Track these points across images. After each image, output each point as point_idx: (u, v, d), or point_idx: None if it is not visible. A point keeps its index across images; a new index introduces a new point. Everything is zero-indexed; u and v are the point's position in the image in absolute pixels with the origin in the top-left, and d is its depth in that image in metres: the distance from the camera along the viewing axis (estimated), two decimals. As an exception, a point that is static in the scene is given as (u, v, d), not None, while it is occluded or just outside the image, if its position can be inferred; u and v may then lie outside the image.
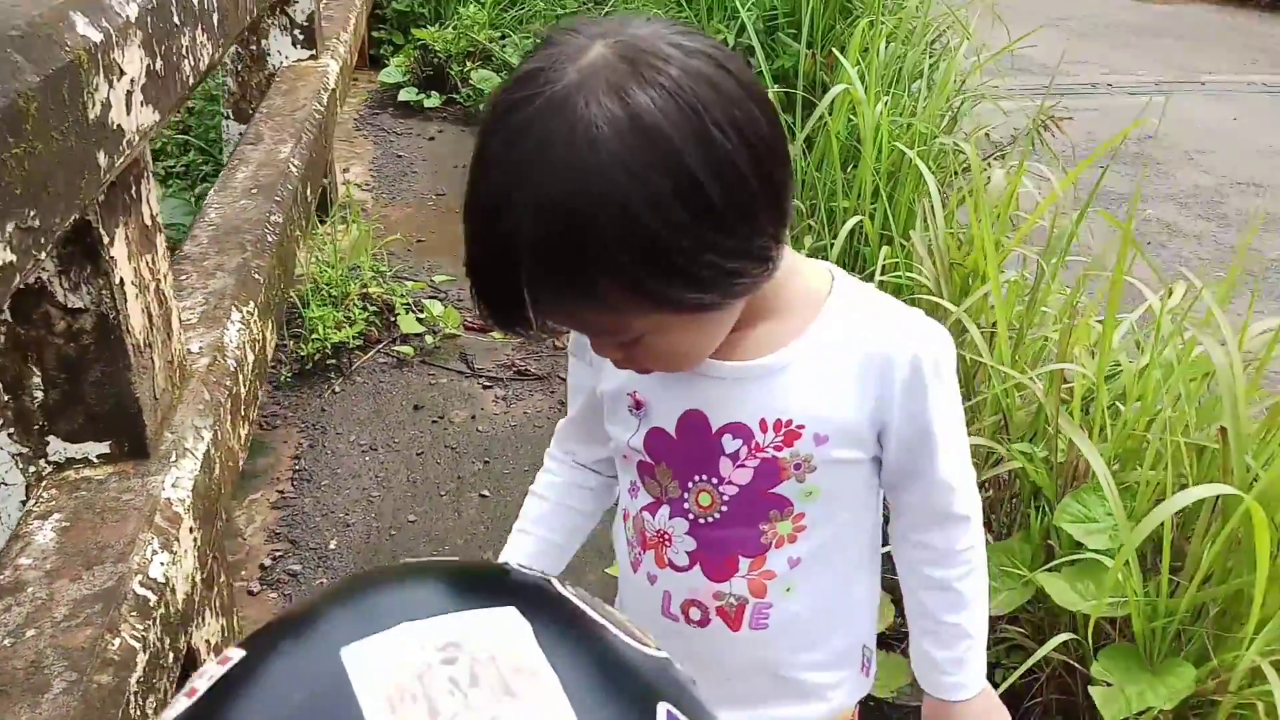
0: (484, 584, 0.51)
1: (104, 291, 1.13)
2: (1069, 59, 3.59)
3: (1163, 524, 1.37)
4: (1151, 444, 1.50)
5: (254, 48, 2.97)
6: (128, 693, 0.98)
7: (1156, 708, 1.38)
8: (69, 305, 1.12)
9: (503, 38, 4.46)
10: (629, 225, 0.61)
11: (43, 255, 0.81)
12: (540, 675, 0.41)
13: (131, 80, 1.05)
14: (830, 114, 2.33)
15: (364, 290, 2.61)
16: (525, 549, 0.96)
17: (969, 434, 1.66)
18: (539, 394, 2.44)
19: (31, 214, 0.78)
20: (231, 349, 1.52)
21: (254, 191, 2.09)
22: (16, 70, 0.78)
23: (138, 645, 1.02)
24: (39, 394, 1.16)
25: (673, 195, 0.61)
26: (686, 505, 0.84)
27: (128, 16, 1.03)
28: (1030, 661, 1.43)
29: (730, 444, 0.80)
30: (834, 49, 2.44)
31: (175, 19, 1.21)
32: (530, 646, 0.42)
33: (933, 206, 2.07)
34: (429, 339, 2.59)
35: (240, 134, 2.56)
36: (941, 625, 0.88)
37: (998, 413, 1.76)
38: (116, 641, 1.00)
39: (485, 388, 2.46)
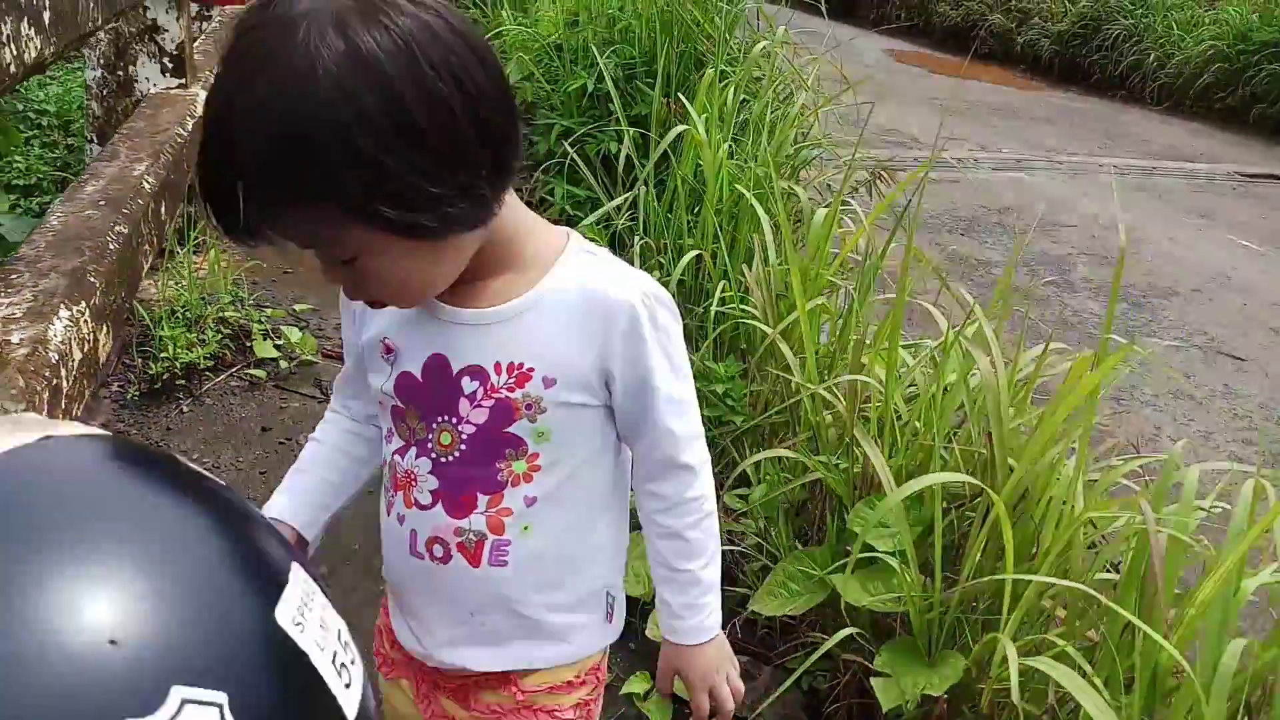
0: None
1: (-98, 266, 1.15)
2: (940, 135, 3.84)
3: (936, 525, 1.48)
4: (936, 453, 1.63)
5: (120, 73, 2.99)
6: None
7: (934, 694, 1.48)
8: None
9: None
10: (340, 140, 0.68)
11: None
12: None
13: (-64, 58, 1.08)
14: (676, 158, 2.46)
15: (220, 314, 2.62)
16: (301, 485, 1.00)
17: (783, 447, 1.76)
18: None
19: None
20: (55, 343, 1.53)
21: (101, 204, 2.10)
22: None
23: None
24: None
25: (380, 114, 0.68)
26: (430, 445, 0.90)
27: (-65, -3, 1.08)
28: (817, 654, 1.52)
29: (469, 385, 0.87)
30: (682, 97, 2.58)
31: (-5, 9, 1.25)
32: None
33: (765, 243, 2.20)
34: (284, 364, 2.60)
35: (97, 154, 2.57)
36: (675, 572, 0.96)
37: (809, 429, 1.87)
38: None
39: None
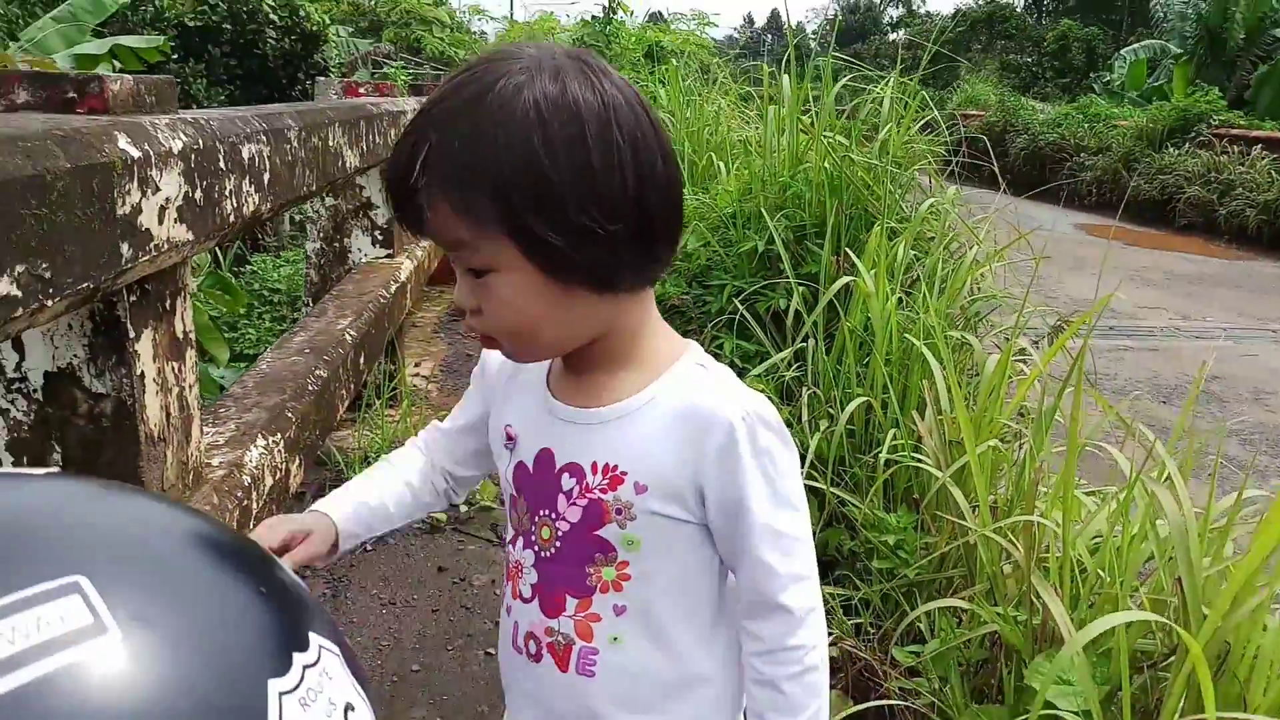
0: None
1: (125, 380, 1.29)
2: (1138, 304, 3.71)
3: (1123, 676, 1.35)
4: (1121, 603, 1.50)
5: (337, 244, 3.31)
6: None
7: None
8: (93, 390, 1.29)
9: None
10: (520, 148, 0.75)
11: (50, 304, 0.97)
12: None
13: (167, 198, 1.25)
14: (845, 313, 2.47)
15: (406, 460, 2.76)
16: (361, 496, 1.01)
17: (960, 596, 1.65)
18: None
19: (43, 265, 0.95)
20: (250, 467, 1.66)
21: (306, 351, 2.30)
22: (51, 155, 0.98)
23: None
24: (56, 468, 1.30)
25: (564, 145, 0.75)
26: (533, 537, 0.90)
27: (170, 148, 1.25)
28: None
29: (567, 482, 0.88)
30: (849, 251, 2.61)
31: (220, 164, 1.43)
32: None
33: (936, 390, 2.15)
34: (464, 509, 2.70)
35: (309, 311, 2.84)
36: None
37: (986, 579, 1.76)
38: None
39: (506, 554, 2.54)
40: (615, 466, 0.86)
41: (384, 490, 1.04)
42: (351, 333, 2.53)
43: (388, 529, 1.05)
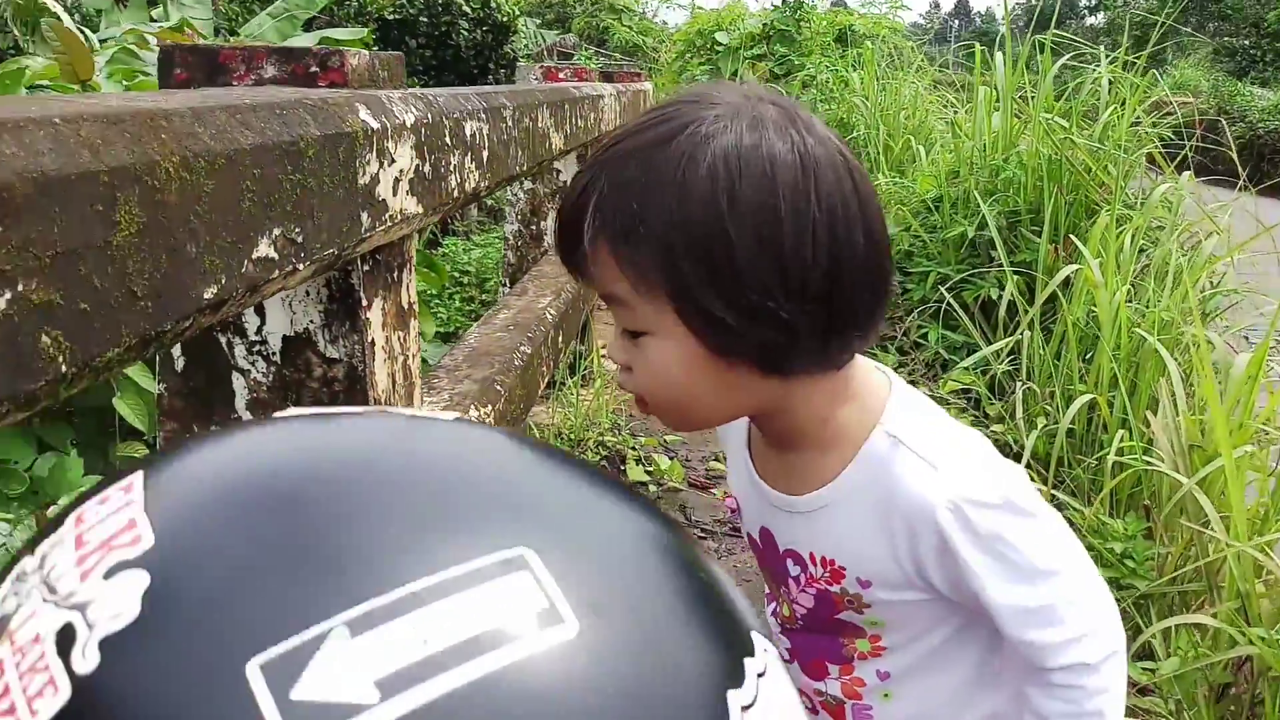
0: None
1: (357, 347, 1.33)
2: None
3: None
4: None
5: (534, 227, 3.37)
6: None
7: None
8: (328, 355, 1.33)
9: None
10: (700, 205, 0.66)
11: (301, 268, 1.00)
12: None
13: (400, 170, 1.27)
14: (1067, 300, 2.31)
15: (600, 439, 2.78)
16: None
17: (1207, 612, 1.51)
18: (749, 551, 2.45)
19: (296, 230, 0.97)
20: (459, 439, 1.69)
21: (510, 328, 2.34)
22: (304, 123, 1.00)
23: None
24: (290, 431, 1.36)
25: (750, 208, 0.66)
26: (777, 608, 0.86)
27: (404, 120, 1.27)
28: None
29: (792, 568, 0.81)
30: (1075, 239, 2.44)
31: (446, 139, 1.45)
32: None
33: (1174, 389, 1.98)
34: (652, 489, 2.69)
35: (509, 290, 2.89)
36: None
37: (1236, 596, 1.61)
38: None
39: (700, 538, 2.51)
40: (833, 561, 0.78)
41: None
42: (552, 311, 2.55)
43: None
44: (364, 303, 1.32)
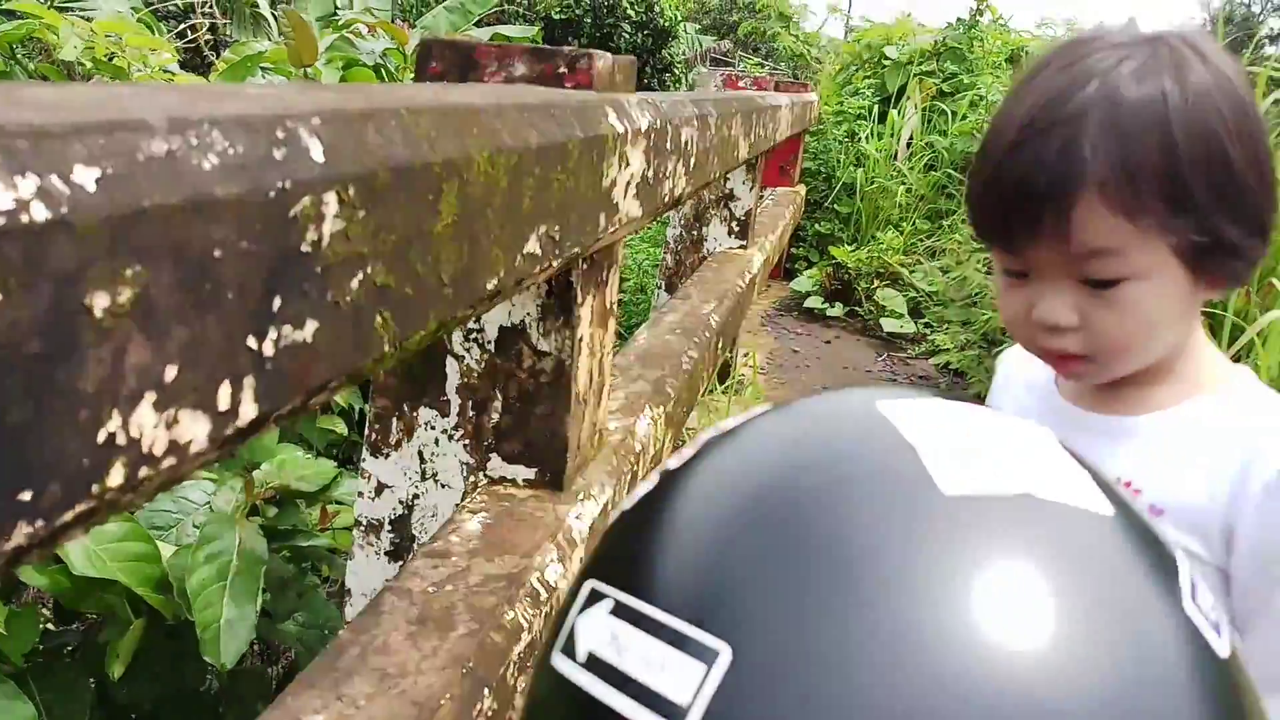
0: None
1: (567, 343, 1.37)
2: None
3: None
4: None
5: (695, 232, 3.39)
6: (510, 658, 1.12)
7: None
8: (539, 347, 1.37)
9: (915, 264, 4.67)
10: (1206, 143, 0.71)
11: (553, 265, 1.04)
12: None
13: (632, 174, 1.30)
14: (1262, 347, 2.21)
15: (746, 449, 2.78)
16: None
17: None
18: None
19: (556, 228, 1.01)
20: (640, 436, 1.72)
21: (677, 331, 2.37)
22: (569, 125, 1.04)
23: (525, 624, 1.17)
24: (495, 416, 1.40)
25: (1240, 134, 0.71)
26: None
27: (640, 125, 1.30)
28: None
29: None
30: (1275, 282, 2.33)
31: (667, 145, 1.48)
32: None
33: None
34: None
35: (671, 295, 2.92)
36: None
37: None
38: (510, 614, 1.16)
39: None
40: (1129, 483, 0.78)
41: None
42: (715, 318, 2.57)
43: None
44: (579, 300, 1.36)
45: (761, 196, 4.85)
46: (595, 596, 0.41)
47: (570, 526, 1.37)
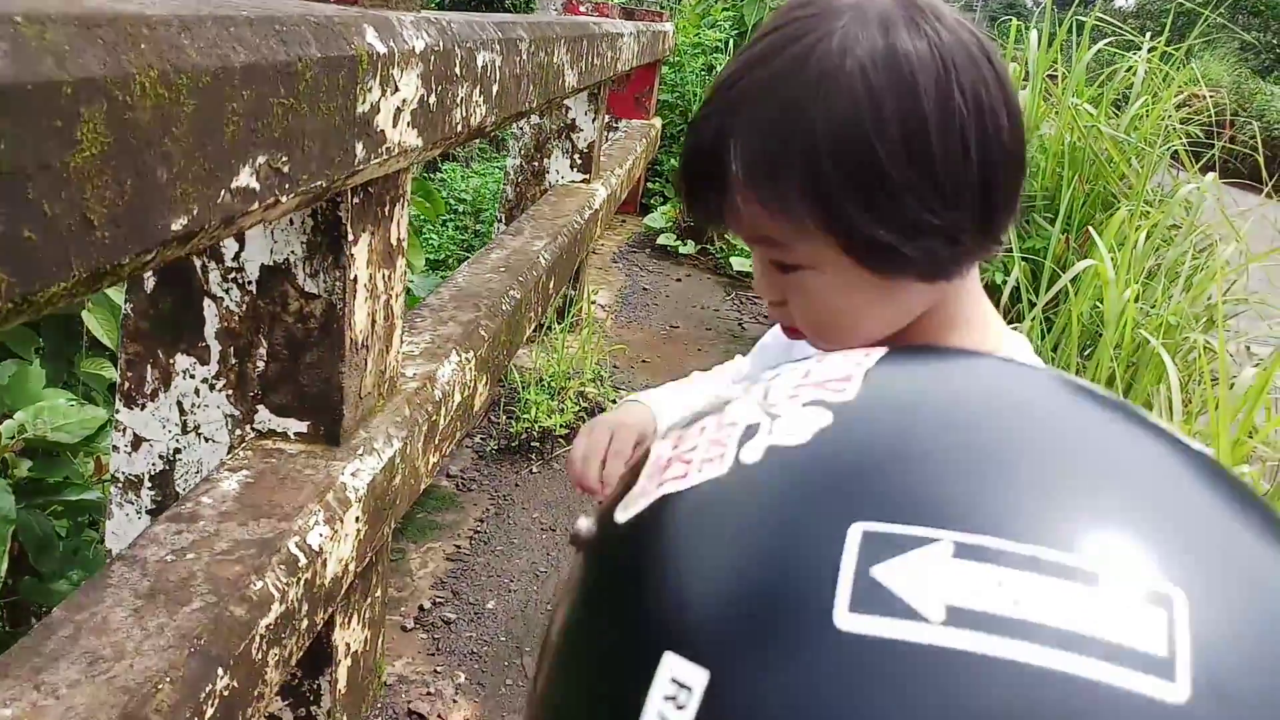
0: None
1: (338, 284, 1.25)
2: None
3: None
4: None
5: (536, 164, 3.27)
6: (255, 632, 1.03)
7: None
8: (305, 289, 1.26)
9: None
10: (847, 129, 0.62)
11: (285, 200, 0.92)
12: None
13: (403, 100, 1.19)
14: (1074, 292, 2.25)
15: (581, 389, 2.72)
16: (684, 385, 1.01)
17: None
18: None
19: (283, 158, 0.90)
20: (441, 383, 1.63)
21: (501, 269, 2.26)
22: (304, 42, 0.92)
23: (276, 595, 1.08)
24: (261, 364, 1.29)
25: (897, 122, 0.62)
26: None
27: (412, 47, 1.19)
28: None
29: None
30: (1092, 230, 2.37)
31: (456, 69, 1.37)
32: None
33: (1171, 397, 1.93)
34: (630, 447, 2.65)
35: (504, 229, 2.81)
36: None
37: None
38: (259, 584, 1.06)
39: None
40: None
41: (707, 386, 0.99)
42: (545, 256, 2.48)
43: None
44: (350, 237, 1.25)
45: (615, 127, 4.74)
46: (890, 541, 0.32)
47: (344, 484, 1.27)
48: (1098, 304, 2.35)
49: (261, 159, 0.86)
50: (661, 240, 4.59)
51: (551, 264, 2.50)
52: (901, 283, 0.69)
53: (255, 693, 1.05)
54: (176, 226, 0.75)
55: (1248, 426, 1.79)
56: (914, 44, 0.64)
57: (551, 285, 2.56)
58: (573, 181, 3.29)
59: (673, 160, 5.21)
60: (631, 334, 3.55)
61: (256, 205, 0.87)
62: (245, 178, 0.84)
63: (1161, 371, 2.05)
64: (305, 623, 1.17)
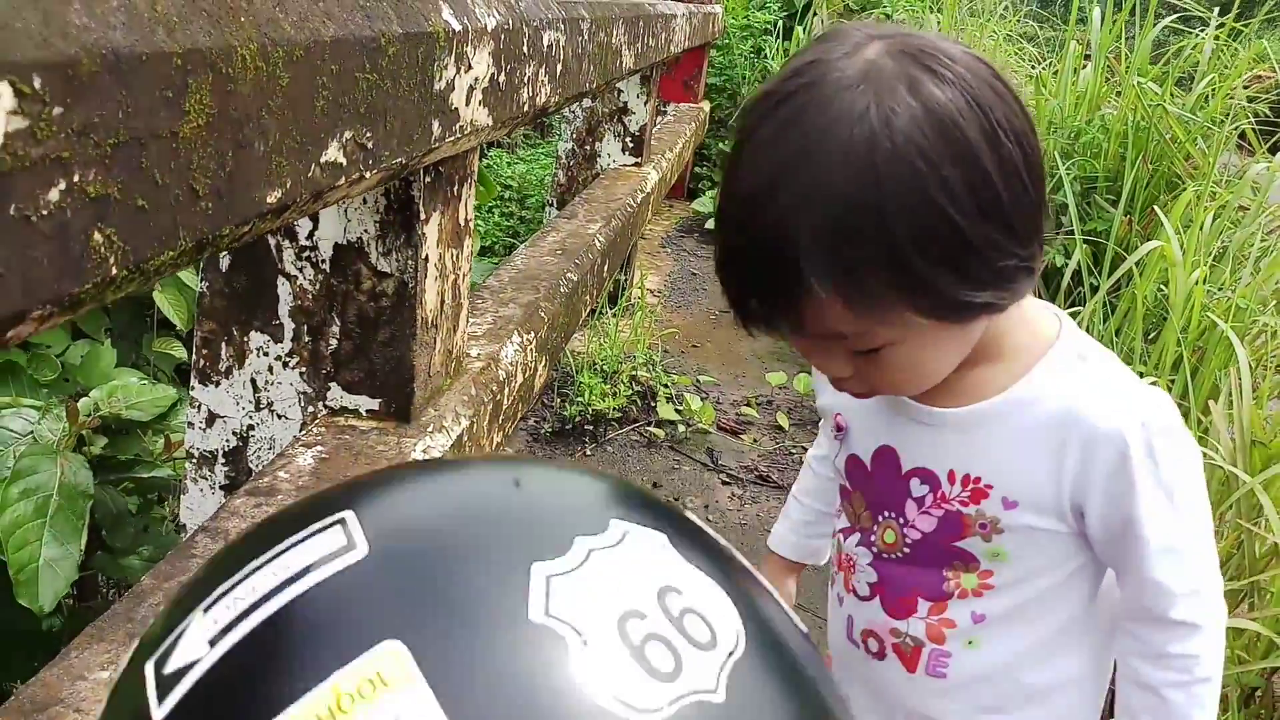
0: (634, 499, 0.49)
1: (410, 263, 1.26)
2: None
3: None
4: None
5: (587, 147, 3.27)
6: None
7: None
8: (378, 268, 1.27)
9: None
10: (920, 209, 0.60)
11: (368, 176, 0.93)
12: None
13: (475, 78, 1.19)
14: (1140, 274, 2.21)
15: (634, 373, 2.72)
16: (798, 516, 0.99)
17: (1247, 617, 1.47)
18: (775, 500, 2.41)
19: (367, 134, 0.90)
20: (505, 363, 1.64)
21: (559, 252, 2.27)
22: (386, 18, 0.92)
23: (354, 567, 1.09)
24: (334, 342, 1.30)
25: (963, 185, 0.61)
26: (873, 538, 0.82)
27: (485, 25, 1.19)
28: None
29: (917, 488, 0.78)
30: (1157, 209, 2.33)
31: (524, 48, 1.37)
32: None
33: (1241, 381, 1.89)
34: (681, 429, 2.64)
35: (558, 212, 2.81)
36: None
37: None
38: (338, 557, 1.07)
39: (724, 484, 2.47)
40: (978, 479, 0.75)
41: (814, 499, 1.01)
42: (600, 239, 2.48)
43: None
44: (422, 216, 1.25)
45: (664, 111, 4.72)
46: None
47: (414, 460, 1.28)
48: (1162, 287, 2.30)
49: (348, 134, 0.87)
50: (710, 225, 4.58)
51: (606, 247, 2.50)
52: (979, 321, 0.70)
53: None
54: (271, 199, 0.76)
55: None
56: (947, 95, 0.62)
57: (606, 268, 2.56)
58: (624, 165, 3.28)
59: (720, 144, 5.19)
60: (681, 319, 3.54)
61: (343, 180, 0.88)
62: (333, 152, 0.85)
63: (1229, 355, 2.00)
64: (380, 597, 1.18)
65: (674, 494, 2.41)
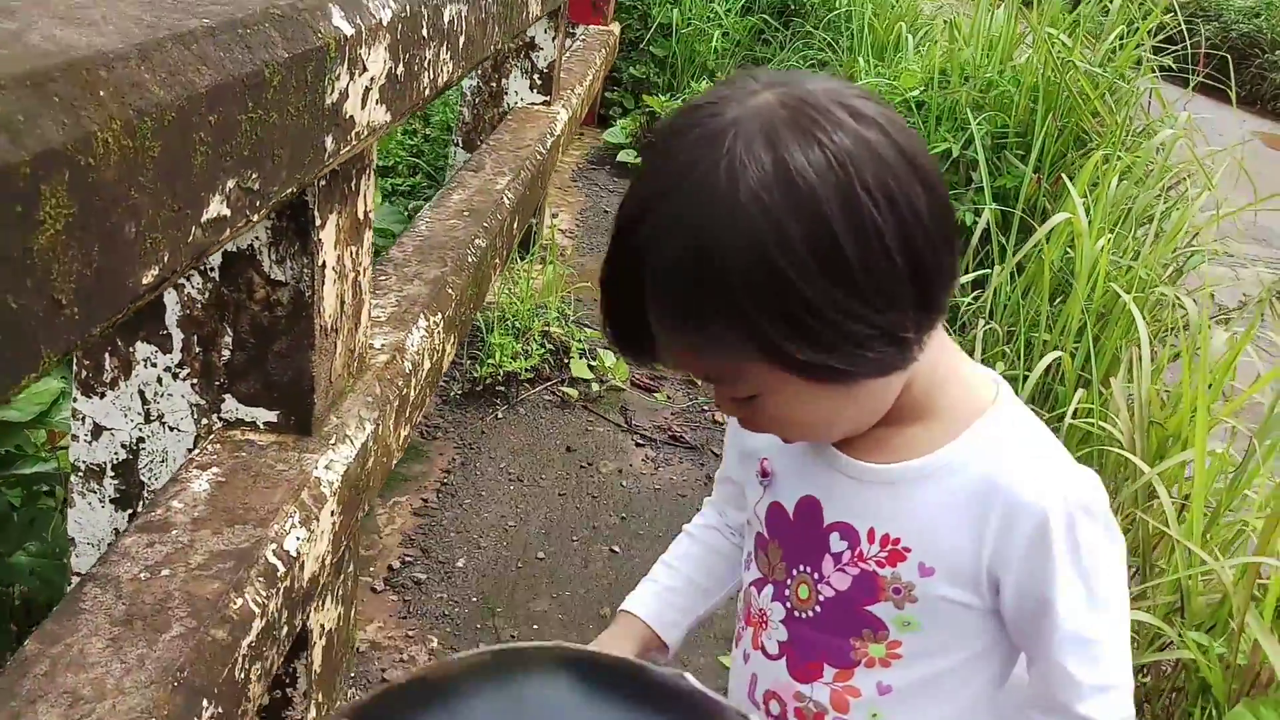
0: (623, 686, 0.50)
1: (305, 270, 1.19)
2: None
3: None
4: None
5: (493, 84, 3.14)
6: (238, 654, 1.00)
7: None
8: (272, 276, 1.19)
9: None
10: (755, 264, 0.60)
11: (255, 218, 0.85)
12: None
13: (371, 78, 1.11)
14: (1047, 242, 2.23)
15: (546, 328, 2.67)
16: (668, 583, 0.94)
17: (1137, 608, 1.51)
18: (689, 463, 2.41)
19: (254, 176, 0.83)
20: (411, 353, 1.57)
21: (465, 214, 2.18)
22: (269, 44, 0.84)
23: (257, 610, 1.04)
24: (227, 353, 1.22)
25: (805, 243, 0.60)
26: (787, 592, 0.80)
27: (380, 19, 1.10)
28: None
29: (836, 543, 0.76)
30: (1064, 175, 2.35)
31: (424, 32, 1.28)
32: None
33: (1140, 356, 1.94)
34: (595, 386, 2.62)
35: (464, 161, 2.70)
36: None
37: (1175, 593, 1.61)
38: (239, 601, 1.03)
39: (638, 445, 2.46)
40: (897, 540, 0.73)
41: (690, 567, 0.95)
42: (509, 195, 2.39)
43: (713, 604, 0.96)
44: (317, 222, 1.17)
45: (572, 34, 4.56)
46: None
47: (318, 479, 1.23)
48: (1069, 250, 2.34)
49: (231, 183, 0.79)
50: (622, 157, 4.48)
51: (516, 203, 2.41)
52: (863, 384, 0.67)
53: (239, 711, 1.03)
54: (148, 279, 0.69)
55: (1215, 395, 1.81)
56: (806, 155, 0.60)
57: (515, 225, 2.48)
58: (532, 104, 3.17)
59: (632, 69, 5.06)
60: (594, 262, 3.48)
61: (228, 232, 0.81)
62: (215, 207, 0.78)
63: (1130, 324, 2.05)
64: (285, 629, 1.14)
65: (588, 459, 2.39)
